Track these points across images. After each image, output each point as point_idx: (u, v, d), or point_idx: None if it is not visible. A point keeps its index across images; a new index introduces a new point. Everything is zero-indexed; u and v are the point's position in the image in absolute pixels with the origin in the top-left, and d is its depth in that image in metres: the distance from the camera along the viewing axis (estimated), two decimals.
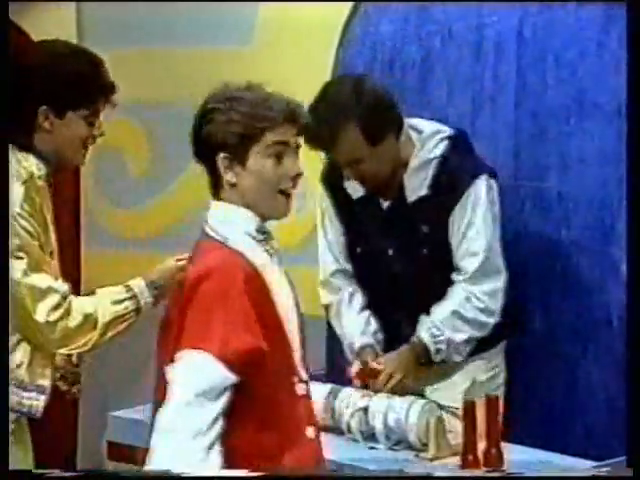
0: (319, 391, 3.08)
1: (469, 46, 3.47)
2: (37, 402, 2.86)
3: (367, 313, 3.27)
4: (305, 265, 3.79)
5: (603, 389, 3.24)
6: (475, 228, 3.09)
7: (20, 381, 2.84)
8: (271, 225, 3.90)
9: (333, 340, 3.75)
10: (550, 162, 3.34)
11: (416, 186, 3.11)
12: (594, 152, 3.25)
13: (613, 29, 3.11)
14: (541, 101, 3.37)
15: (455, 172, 3.09)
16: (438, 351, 3.12)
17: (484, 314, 3.12)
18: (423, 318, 3.13)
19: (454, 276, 3.14)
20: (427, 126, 3.15)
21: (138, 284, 2.97)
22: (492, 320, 3.13)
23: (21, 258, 2.80)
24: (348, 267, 3.30)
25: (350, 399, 3.04)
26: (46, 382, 2.88)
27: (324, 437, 2.97)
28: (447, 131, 3.14)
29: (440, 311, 3.13)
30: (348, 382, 3.20)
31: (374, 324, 3.25)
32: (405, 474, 2.75)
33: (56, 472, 2.76)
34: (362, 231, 3.23)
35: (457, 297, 3.12)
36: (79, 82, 2.87)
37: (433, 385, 3.22)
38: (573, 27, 3.27)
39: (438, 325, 3.11)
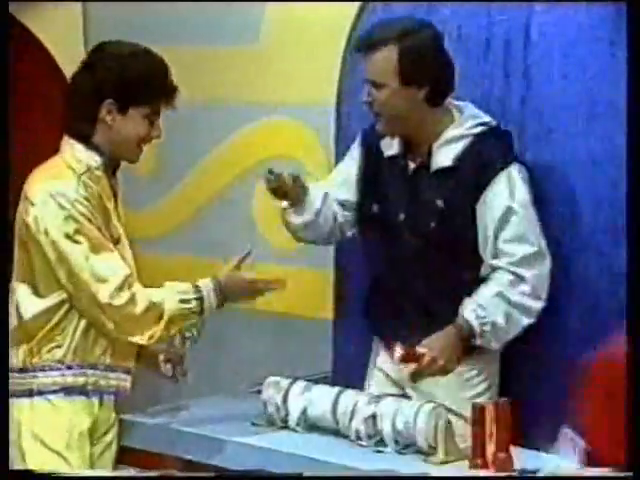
0: (325, 394, 3.06)
1: (478, 46, 3.42)
2: (124, 382, 3.04)
3: None
4: (307, 268, 3.77)
5: None
6: (517, 213, 3.04)
7: (106, 365, 2.97)
8: (272, 228, 3.95)
9: (339, 343, 3.73)
10: (557, 162, 3.29)
11: (442, 157, 3.09)
12: (603, 152, 3.20)
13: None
14: (548, 100, 3.32)
15: (485, 154, 3.07)
16: (483, 333, 3.04)
17: (530, 298, 3.05)
18: (467, 299, 3.05)
19: (495, 261, 3.06)
20: (470, 109, 3.16)
21: (206, 286, 3.00)
22: (539, 305, 3.06)
23: (80, 242, 2.89)
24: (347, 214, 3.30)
25: (357, 402, 3.00)
26: (130, 364, 3.04)
27: (329, 440, 2.98)
28: (488, 119, 3.15)
29: (485, 292, 3.05)
30: (353, 385, 3.16)
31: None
32: (404, 474, 2.72)
33: (56, 472, 2.74)
34: (383, 191, 3.21)
35: (502, 279, 3.05)
36: (146, 80, 2.99)
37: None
38: (583, 25, 3.21)
39: (483, 305, 3.03)
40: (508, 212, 3.04)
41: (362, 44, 3.09)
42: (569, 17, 3.24)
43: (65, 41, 4.29)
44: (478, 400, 3.01)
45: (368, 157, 3.27)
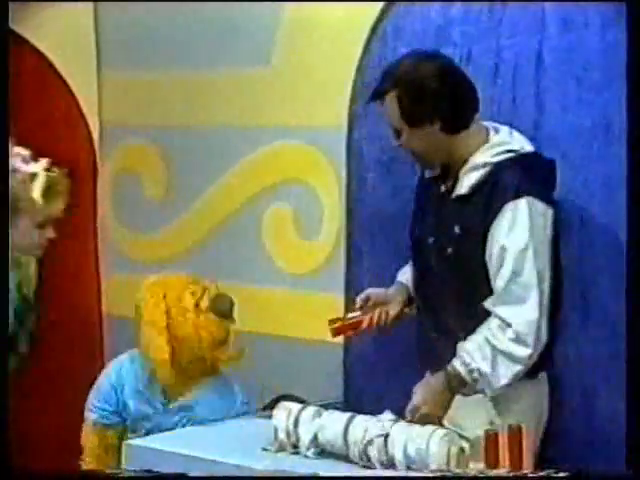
0: (336, 419, 3.02)
1: (487, 69, 3.40)
2: None
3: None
4: (317, 292, 3.74)
5: (623, 420, 3.12)
6: (510, 253, 2.95)
7: None
8: (282, 252, 3.93)
9: (350, 368, 3.69)
10: (572, 187, 3.25)
11: (463, 184, 3.04)
12: (618, 177, 3.16)
13: None
14: (561, 125, 3.28)
15: (498, 184, 2.98)
16: (473, 381, 2.97)
17: (515, 344, 2.94)
18: (460, 345, 2.99)
19: (487, 303, 2.99)
20: (504, 134, 3.09)
21: None
22: (525, 352, 2.94)
23: None
24: None
25: (368, 428, 2.96)
26: None
27: (340, 466, 2.93)
28: (519, 145, 3.06)
29: (474, 338, 2.98)
30: (364, 409, 3.11)
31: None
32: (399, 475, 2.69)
33: (56, 472, 2.71)
34: (421, 214, 3.19)
35: (490, 324, 2.97)
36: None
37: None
38: (597, 49, 3.18)
39: (470, 352, 2.96)
40: (503, 250, 2.95)
41: (371, 97, 3.11)
42: (582, 41, 3.21)
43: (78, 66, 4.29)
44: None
45: (420, 182, 3.25)
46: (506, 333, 2.93)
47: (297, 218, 3.83)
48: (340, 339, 3.67)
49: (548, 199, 3.01)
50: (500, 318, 2.95)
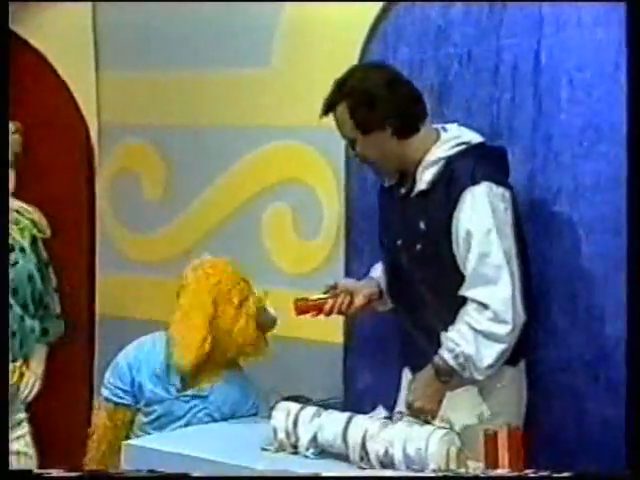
0: (336, 420, 3.01)
1: (487, 70, 3.40)
2: None
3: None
4: (317, 292, 3.72)
5: (613, 420, 3.12)
6: (475, 237, 3.00)
7: None
8: (282, 252, 3.93)
9: (350, 368, 3.69)
10: (563, 186, 3.25)
11: (422, 180, 3.11)
12: (608, 177, 3.16)
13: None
14: (556, 124, 3.28)
15: (455, 174, 3.06)
16: (460, 366, 2.99)
17: (495, 323, 2.98)
18: (443, 334, 3.02)
19: (462, 290, 3.03)
20: (453, 129, 3.16)
21: None
22: (505, 329, 2.98)
23: None
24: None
25: (367, 428, 2.95)
26: None
27: (340, 465, 2.93)
28: (469, 138, 3.14)
29: (456, 325, 3.02)
30: (367, 410, 3.10)
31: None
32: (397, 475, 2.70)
33: (56, 472, 2.71)
34: (385, 220, 3.27)
35: (468, 308, 3.01)
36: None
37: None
38: (589, 48, 3.18)
39: (453, 338, 3.00)
40: (468, 235, 3.01)
41: (323, 110, 3.17)
42: (576, 41, 3.21)
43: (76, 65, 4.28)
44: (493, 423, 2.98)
45: (380, 193, 3.33)
46: (484, 314, 2.98)
47: (296, 218, 3.82)
48: (340, 339, 3.68)
49: (505, 183, 3.09)
50: (475, 301, 3.00)
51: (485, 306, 2.98)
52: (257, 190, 3.90)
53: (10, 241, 3.05)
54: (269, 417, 3.11)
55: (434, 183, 3.08)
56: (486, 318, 2.98)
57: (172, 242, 4.13)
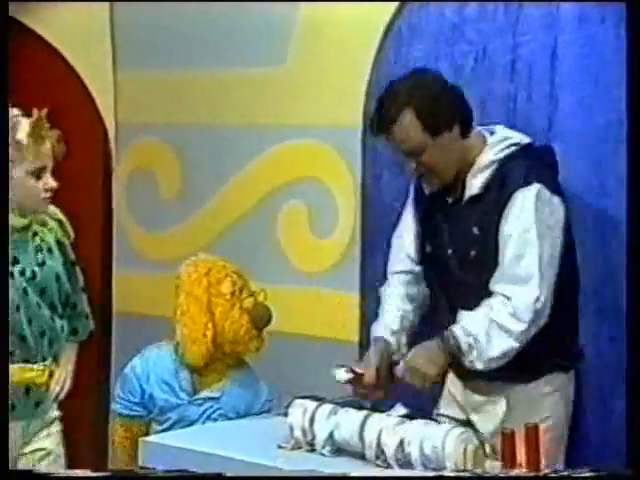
0: (352, 417, 2.98)
1: (502, 66, 3.36)
2: None
3: (401, 315, 3.18)
4: (333, 291, 3.71)
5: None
6: (512, 236, 2.97)
7: None
8: (297, 250, 3.91)
9: None
10: (588, 184, 3.21)
11: (473, 185, 3.04)
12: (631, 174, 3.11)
13: None
14: (577, 122, 3.23)
15: (507, 176, 3.00)
16: (466, 347, 2.96)
17: (512, 318, 2.95)
18: (459, 313, 3.00)
19: (491, 283, 3.00)
20: (501, 131, 3.10)
21: None
22: (520, 327, 2.94)
23: None
24: (415, 269, 3.23)
25: (384, 426, 2.92)
26: None
27: (356, 463, 2.89)
28: (519, 139, 3.08)
29: (476, 310, 2.99)
30: (378, 407, 3.07)
31: (399, 325, 3.17)
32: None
33: (56, 472, 2.70)
34: (431, 229, 3.17)
35: (492, 300, 2.98)
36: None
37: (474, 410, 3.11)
38: (612, 46, 3.13)
39: (469, 321, 2.97)
40: (509, 235, 2.97)
41: (378, 126, 3.02)
42: (597, 37, 3.17)
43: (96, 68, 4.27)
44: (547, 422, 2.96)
45: (418, 201, 3.21)
46: (505, 306, 2.96)
47: (312, 216, 3.80)
48: (356, 337, 3.65)
49: (556, 186, 3.04)
50: (501, 294, 2.96)
51: (508, 299, 2.95)
52: (273, 188, 3.88)
53: (38, 242, 3.06)
54: (285, 415, 3.08)
55: (487, 187, 3.02)
56: (505, 311, 2.95)
57: (188, 240, 4.11)
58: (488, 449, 2.81)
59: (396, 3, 3.56)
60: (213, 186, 4.02)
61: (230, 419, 3.38)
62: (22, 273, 2.99)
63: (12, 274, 2.95)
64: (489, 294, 3.01)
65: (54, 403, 3.13)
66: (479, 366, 2.99)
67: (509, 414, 3.07)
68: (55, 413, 3.12)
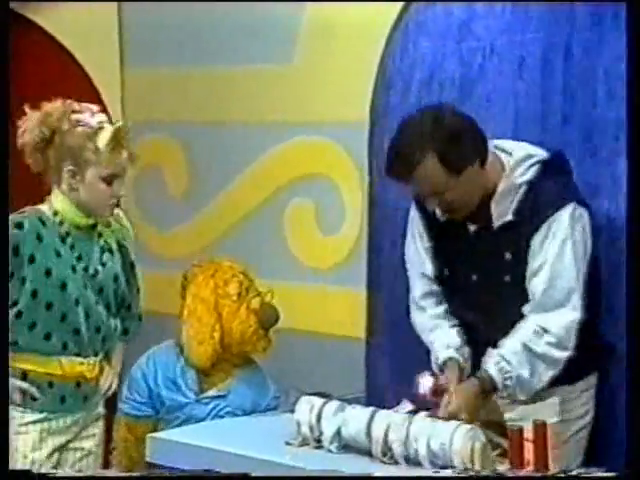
0: (360, 414, 2.96)
1: (511, 63, 3.33)
2: None
3: (455, 330, 3.10)
4: (340, 287, 3.69)
5: None
6: (547, 259, 2.90)
7: None
8: (304, 247, 3.89)
9: (372, 362, 3.64)
10: (600, 182, 3.18)
11: (502, 211, 2.96)
12: None
13: None
14: (590, 118, 3.21)
15: (540, 198, 2.92)
16: (506, 387, 2.91)
17: (556, 348, 2.90)
18: (491, 351, 2.93)
19: (524, 308, 2.94)
20: (518, 149, 3.00)
21: None
22: (565, 355, 2.90)
23: None
24: (437, 289, 3.14)
25: (391, 423, 2.90)
26: None
27: (363, 460, 2.88)
28: (539, 155, 2.99)
29: (509, 344, 2.92)
30: (390, 405, 3.06)
31: (459, 339, 3.07)
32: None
33: (56, 472, 2.70)
34: (449, 254, 3.08)
35: (527, 330, 2.92)
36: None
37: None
38: (623, 41, 3.10)
39: (507, 359, 2.90)
40: (544, 256, 2.91)
41: (399, 172, 2.93)
42: (612, 34, 3.14)
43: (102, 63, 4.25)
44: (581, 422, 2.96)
45: (429, 225, 3.11)
46: (544, 338, 2.90)
47: (319, 213, 3.79)
48: (362, 334, 3.64)
49: (580, 195, 2.98)
50: (538, 325, 2.90)
51: (546, 330, 2.90)
52: (280, 185, 3.87)
53: (102, 242, 3.10)
54: (292, 411, 3.07)
55: (518, 211, 2.94)
56: (545, 342, 2.89)
57: (195, 237, 4.10)
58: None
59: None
60: (220, 183, 4.01)
61: (237, 416, 3.37)
62: (85, 269, 3.02)
63: (75, 269, 2.99)
64: (518, 319, 2.94)
65: (102, 399, 3.13)
66: (522, 397, 2.94)
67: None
68: (101, 410, 3.13)
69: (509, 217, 2.95)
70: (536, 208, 2.92)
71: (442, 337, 3.09)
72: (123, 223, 3.21)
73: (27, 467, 2.95)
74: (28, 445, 2.98)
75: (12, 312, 2.93)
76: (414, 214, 3.14)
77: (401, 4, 3.55)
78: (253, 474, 2.83)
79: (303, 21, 3.77)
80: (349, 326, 3.64)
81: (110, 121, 3.03)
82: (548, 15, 3.24)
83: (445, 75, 3.44)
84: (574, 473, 2.66)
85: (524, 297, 2.96)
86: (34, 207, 3.02)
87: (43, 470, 2.91)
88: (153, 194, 4.19)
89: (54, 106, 2.98)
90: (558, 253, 2.90)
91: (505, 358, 2.90)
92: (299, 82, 3.80)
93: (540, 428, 2.67)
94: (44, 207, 3.02)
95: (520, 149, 3.00)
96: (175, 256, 4.08)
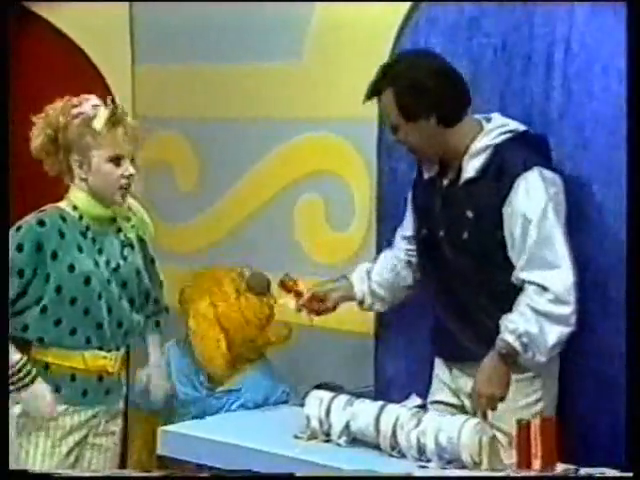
0: (368, 408, 2.97)
1: (520, 59, 3.33)
2: None
3: (389, 266, 3.32)
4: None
5: None
6: (532, 222, 2.95)
7: None
8: (313, 242, 3.89)
9: (381, 357, 3.64)
10: (595, 175, 3.18)
11: (469, 169, 3.06)
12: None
13: None
14: (586, 112, 3.20)
15: (505, 162, 3.02)
16: (524, 347, 2.91)
17: (556, 304, 2.92)
18: (502, 318, 2.95)
19: (520, 274, 2.97)
20: (498, 118, 3.13)
21: None
22: (567, 310, 2.93)
23: None
24: (409, 252, 3.32)
25: (399, 417, 2.90)
26: None
27: (372, 454, 2.88)
28: (515, 126, 3.10)
29: (515, 309, 2.96)
30: (394, 399, 3.06)
31: (381, 276, 3.32)
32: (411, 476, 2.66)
33: (56, 472, 2.70)
34: (426, 213, 3.20)
35: (528, 291, 2.95)
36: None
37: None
38: (624, 35, 3.09)
39: (514, 320, 2.93)
40: (525, 220, 2.96)
41: (368, 91, 3.13)
42: (609, 28, 3.13)
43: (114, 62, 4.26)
44: (532, 409, 2.93)
45: (416, 185, 3.28)
46: (544, 296, 2.93)
47: (328, 209, 3.78)
48: (371, 329, 3.63)
49: (547, 166, 3.04)
50: (534, 283, 2.94)
51: (544, 288, 2.93)
52: (289, 182, 3.86)
53: (122, 237, 3.10)
54: (302, 405, 3.07)
55: (482, 171, 3.04)
56: (546, 300, 2.93)
57: (204, 233, 4.10)
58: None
59: None
60: (230, 179, 4.00)
61: (249, 409, 3.37)
62: (107, 263, 3.03)
63: (97, 263, 3.00)
64: (474, 278, 3.02)
65: (123, 395, 3.13)
66: (542, 359, 2.95)
67: None
68: (121, 406, 3.12)
69: (471, 174, 3.05)
70: (499, 170, 3.01)
71: (375, 265, 3.36)
72: (144, 219, 3.21)
73: (46, 464, 2.94)
74: (47, 444, 2.96)
75: (37, 309, 2.94)
76: (414, 174, 3.30)
77: (410, 2, 3.54)
78: (262, 467, 2.86)
79: (312, 19, 3.76)
80: (357, 321, 3.64)
81: (105, 104, 3.01)
82: (552, 9, 3.21)
83: None
84: (584, 473, 2.66)
85: (480, 256, 3.02)
86: (54, 205, 3.03)
87: (60, 470, 2.89)
88: (163, 190, 4.19)
89: (53, 106, 3.01)
90: (541, 216, 2.95)
91: (513, 320, 2.92)
92: (308, 79, 3.79)
93: (547, 422, 2.67)
94: (63, 204, 3.03)
95: (500, 119, 3.13)
96: (185, 251, 4.08)
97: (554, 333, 2.93)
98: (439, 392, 3.20)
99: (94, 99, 3.00)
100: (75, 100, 3.00)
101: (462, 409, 3.08)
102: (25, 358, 2.93)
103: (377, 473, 2.68)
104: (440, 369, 3.22)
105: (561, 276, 2.93)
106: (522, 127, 3.10)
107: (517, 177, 2.97)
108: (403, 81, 3.05)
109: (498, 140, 3.06)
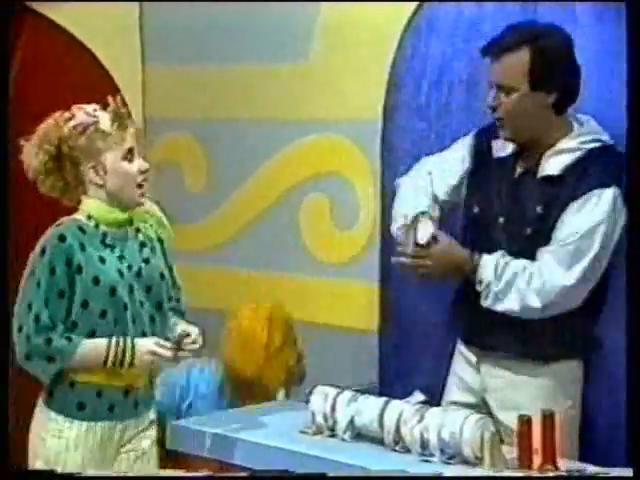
0: (373, 404, 2.98)
1: None
2: None
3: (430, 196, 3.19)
4: (353, 281, 3.71)
5: None
6: (580, 233, 2.93)
7: None
8: (319, 242, 3.90)
9: (385, 354, 3.66)
10: None
11: (551, 166, 2.99)
12: None
13: None
14: (586, 112, 3.19)
15: (588, 170, 2.94)
16: (485, 284, 2.96)
17: (531, 295, 2.94)
18: (498, 253, 2.99)
19: (539, 250, 2.97)
20: (593, 124, 3.04)
21: None
22: (534, 305, 2.94)
23: None
24: (434, 213, 3.18)
25: (403, 412, 2.92)
26: None
27: (376, 449, 2.89)
28: (605, 137, 3.02)
29: (513, 262, 2.98)
30: (398, 396, 3.08)
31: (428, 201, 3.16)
32: (409, 474, 2.66)
33: (56, 472, 2.69)
34: (486, 193, 3.11)
35: (525, 265, 2.97)
36: None
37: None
38: (624, 35, 3.09)
39: (502, 265, 2.96)
40: (573, 229, 2.94)
41: (493, 47, 2.96)
42: (609, 28, 3.14)
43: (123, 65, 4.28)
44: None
45: (477, 158, 3.15)
46: (536, 279, 2.93)
47: (334, 209, 3.80)
48: (375, 326, 3.65)
49: (624, 192, 2.97)
50: (533, 266, 2.94)
51: (543, 273, 2.93)
52: (295, 182, 3.88)
53: (142, 238, 3.00)
54: (307, 401, 3.09)
55: (565, 171, 2.96)
56: (533, 282, 2.94)
57: (213, 233, 4.12)
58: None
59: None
60: (238, 180, 4.03)
61: None
62: (129, 269, 2.92)
63: (121, 273, 2.89)
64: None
65: (154, 405, 3.05)
66: (483, 303, 2.99)
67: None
68: (152, 416, 3.02)
69: (555, 172, 2.97)
70: (580, 177, 2.94)
71: (421, 197, 3.18)
72: (162, 221, 3.12)
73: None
74: (77, 461, 2.86)
75: (66, 324, 2.84)
76: (471, 142, 3.17)
77: (415, 4, 3.56)
78: (268, 462, 2.88)
79: (318, 20, 3.78)
80: (363, 319, 3.66)
81: (104, 107, 2.95)
82: (552, 14, 3.22)
83: (453, 74, 3.45)
84: (589, 473, 2.67)
85: (530, 253, 2.98)
86: (69, 217, 2.93)
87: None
88: (172, 191, 4.21)
89: (47, 123, 2.91)
90: (589, 230, 2.92)
91: (501, 264, 2.96)
92: (314, 80, 3.81)
93: (548, 418, 2.69)
94: (78, 215, 2.93)
95: (594, 125, 3.04)
96: (193, 251, 4.10)
97: (507, 303, 2.96)
98: (454, 392, 3.21)
99: (86, 107, 2.93)
100: (67, 114, 2.92)
101: (476, 408, 3.07)
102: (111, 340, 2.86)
103: (407, 473, 2.68)
104: (460, 366, 3.21)
105: (561, 277, 2.93)
106: (610, 140, 3.02)
107: (592, 190, 2.92)
108: (548, 42, 2.90)
109: (586, 146, 2.97)
